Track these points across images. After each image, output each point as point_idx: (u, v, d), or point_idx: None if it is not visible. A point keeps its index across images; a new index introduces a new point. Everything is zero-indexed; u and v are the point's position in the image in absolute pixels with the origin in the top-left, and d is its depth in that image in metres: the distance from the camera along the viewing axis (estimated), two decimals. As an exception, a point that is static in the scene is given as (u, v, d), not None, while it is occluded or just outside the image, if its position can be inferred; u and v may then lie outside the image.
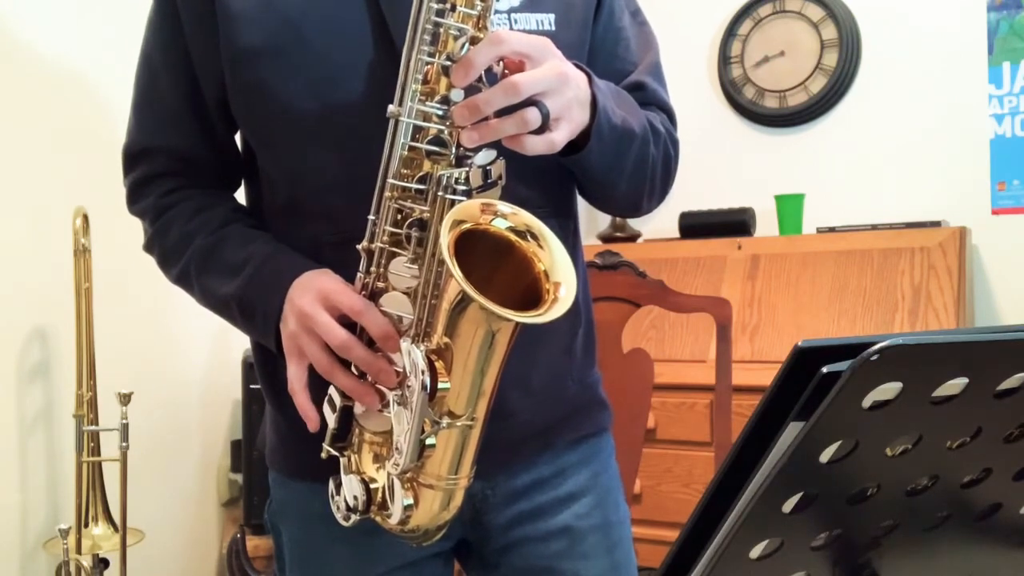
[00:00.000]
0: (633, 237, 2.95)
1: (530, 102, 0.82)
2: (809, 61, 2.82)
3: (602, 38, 1.04)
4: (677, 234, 2.78)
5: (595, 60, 1.02)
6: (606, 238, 2.93)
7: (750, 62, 2.91)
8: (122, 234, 1.92)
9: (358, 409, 0.90)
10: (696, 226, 2.73)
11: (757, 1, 2.89)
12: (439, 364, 0.81)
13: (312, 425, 0.90)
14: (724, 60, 2.94)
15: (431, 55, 0.84)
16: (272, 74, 0.93)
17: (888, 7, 2.73)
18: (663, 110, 1.07)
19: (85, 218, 1.91)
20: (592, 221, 2.98)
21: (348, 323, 0.87)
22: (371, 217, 0.87)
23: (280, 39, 0.92)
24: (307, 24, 0.92)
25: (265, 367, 1.04)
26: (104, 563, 1.90)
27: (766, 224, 2.73)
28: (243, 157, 1.05)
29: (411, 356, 0.81)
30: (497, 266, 0.83)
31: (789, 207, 2.66)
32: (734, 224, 2.69)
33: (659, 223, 2.81)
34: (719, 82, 2.96)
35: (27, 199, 1.95)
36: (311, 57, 0.92)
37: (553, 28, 0.97)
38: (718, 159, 2.90)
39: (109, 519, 1.90)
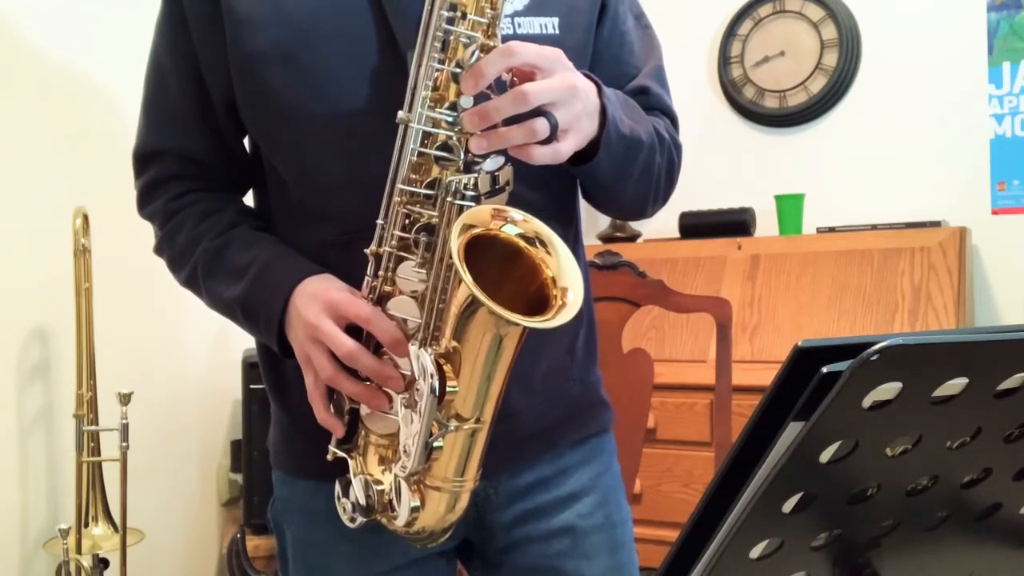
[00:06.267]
0: (633, 237, 2.95)
1: (539, 112, 0.83)
2: (809, 61, 2.82)
3: (606, 42, 1.04)
4: (677, 234, 2.78)
5: (599, 64, 1.02)
6: (606, 238, 2.93)
7: (750, 62, 2.91)
8: (122, 234, 1.93)
9: (364, 411, 0.90)
10: (696, 226, 2.73)
11: (757, 1, 2.89)
12: (447, 367, 0.81)
13: (338, 433, 0.91)
14: (724, 60, 2.94)
15: (441, 62, 0.84)
16: (278, 78, 0.93)
17: (888, 7, 2.73)
18: (666, 114, 1.08)
19: (85, 218, 1.91)
20: (592, 221, 2.98)
21: (355, 330, 0.87)
22: (379, 222, 0.87)
23: (286, 44, 0.93)
24: (313, 29, 0.92)
25: (269, 366, 1.04)
26: (104, 563, 1.90)
27: (766, 224, 2.73)
28: (252, 159, 1.05)
29: (420, 360, 0.81)
30: (505, 271, 0.84)
31: (789, 207, 2.66)
32: (734, 224, 2.69)
33: (659, 223, 2.80)
34: (719, 82, 2.96)
35: (27, 199, 1.95)
36: (317, 61, 0.92)
37: (557, 32, 0.97)
38: (718, 159, 2.90)
39: (109, 519, 1.90)
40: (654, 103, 1.06)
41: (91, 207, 1.94)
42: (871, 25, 2.76)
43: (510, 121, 0.83)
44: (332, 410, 0.91)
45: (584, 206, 1.10)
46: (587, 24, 1.02)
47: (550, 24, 0.97)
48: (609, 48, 1.05)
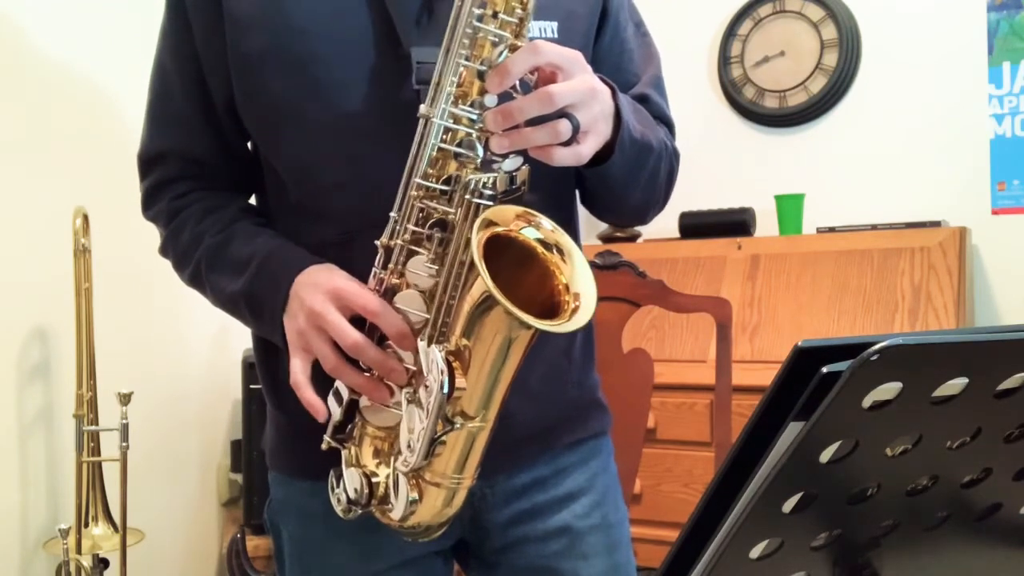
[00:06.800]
0: (633, 237, 2.94)
1: (561, 114, 0.83)
2: (809, 61, 2.82)
3: (607, 50, 1.05)
4: (677, 234, 2.78)
5: (599, 71, 1.02)
6: (606, 238, 2.93)
7: (750, 62, 2.91)
8: (122, 234, 1.93)
9: (364, 402, 0.90)
10: (696, 226, 2.73)
11: (757, 1, 2.89)
12: (456, 365, 0.81)
13: (320, 417, 0.89)
14: (724, 60, 2.94)
15: (467, 59, 0.83)
16: (277, 78, 0.93)
17: (888, 7, 2.73)
18: (665, 123, 1.09)
19: (85, 218, 1.91)
20: (592, 221, 2.97)
21: (356, 320, 0.87)
22: (393, 214, 0.87)
23: (285, 44, 0.93)
24: (312, 28, 0.92)
25: (266, 365, 1.04)
26: (104, 563, 1.90)
27: (766, 224, 2.73)
28: (254, 160, 1.05)
29: (430, 357, 0.81)
30: (519, 273, 0.84)
31: (789, 207, 2.66)
32: (734, 224, 2.69)
33: (659, 223, 2.78)
34: (719, 82, 2.96)
35: (27, 199, 1.95)
36: (317, 61, 0.92)
37: (556, 36, 0.97)
38: (718, 159, 2.90)
39: (109, 519, 1.90)
40: (653, 111, 1.06)
41: (91, 207, 1.94)
42: (871, 25, 2.76)
43: (532, 122, 0.83)
44: (329, 400, 0.91)
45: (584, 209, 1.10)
46: (586, 30, 1.02)
47: (549, 28, 0.97)
48: (610, 56, 1.05)
